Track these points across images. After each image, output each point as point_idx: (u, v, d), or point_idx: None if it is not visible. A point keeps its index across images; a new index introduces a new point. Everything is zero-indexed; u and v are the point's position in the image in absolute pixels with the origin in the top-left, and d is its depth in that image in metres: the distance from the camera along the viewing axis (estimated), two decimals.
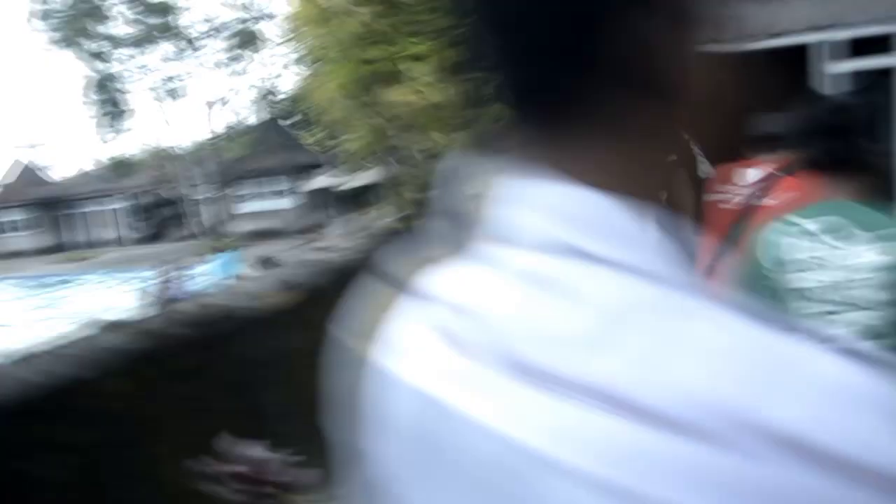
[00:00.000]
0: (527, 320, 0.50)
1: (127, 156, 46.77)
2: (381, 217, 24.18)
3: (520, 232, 0.54)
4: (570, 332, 0.48)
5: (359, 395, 0.64)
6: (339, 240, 3.55)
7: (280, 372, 2.83)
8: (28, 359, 2.04)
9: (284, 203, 33.66)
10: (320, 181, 29.61)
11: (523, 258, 0.53)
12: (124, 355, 2.11)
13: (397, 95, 4.21)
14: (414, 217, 5.24)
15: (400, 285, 0.63)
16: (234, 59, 33.73)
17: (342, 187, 27.49)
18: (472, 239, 0.59)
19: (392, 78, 4.29)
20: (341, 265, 3.41)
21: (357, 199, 29.53)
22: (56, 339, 2.25)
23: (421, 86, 4.14)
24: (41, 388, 1.90)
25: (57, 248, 40.86)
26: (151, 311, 8.56)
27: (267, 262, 8.08)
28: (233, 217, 34.04)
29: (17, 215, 42.05)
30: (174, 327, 2.36)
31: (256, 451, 1.02)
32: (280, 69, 35.70)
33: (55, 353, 2.05)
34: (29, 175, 44.85)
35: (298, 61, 32.63)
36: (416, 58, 4.14)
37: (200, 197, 33.94)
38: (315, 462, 3.08)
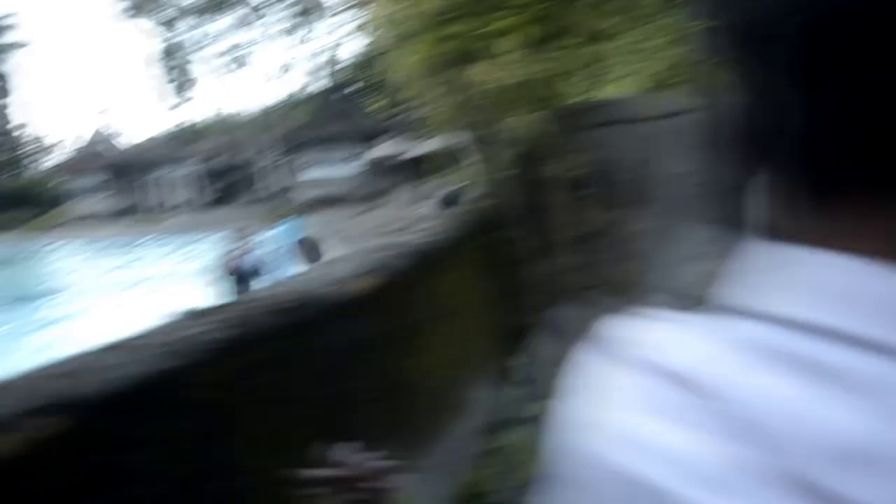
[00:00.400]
0: (807, 422, 0.39)
1: (194, 122, 47.81)
2: (446, 186, 23.96)
3: (787, 310, 0.43)
4: (872, 446, 0.37)
5: (581, 478, 0.53)
6: (418, 220, 3.46)
7: (364, 359, 2.79)
8: (117, 348, 2.02)
9: (347, 170, 33.87)
10: (383, 149, 29.71)
11: (789, 342, 0.42)
12: (211, 345, 2.07)
13: (481, 72, 4.09)
14: (493, 196, 5.11)
15: (624, 356, 0.52)
16: (298, 26, 33.83)
17: (405, 156, 27.54)
18: (713, 310, 0.47)
19: (475, 54, 4.17)
20: (422, 247, 3.33)
21: (419, 167, 29.57)
22: (142, 326, 2.23)
23: (506, 62, 4.02)
24: (130, 380, 1.87)
25: (127, 212, 42.16)
26: (222, 279, 8.46)
27: (308, 247, 7.88)
28: (297, 184, 34.44)
29: (90, 180, 43.46)
30: (258, 314, 2.31)
31: (354, 454, 0.97)
32: (343, 37, 35.76)
33: (143, 342, 2.02)
34: (101, 142, 46.19)
35: (362, 29, 32.68)
36: (501, 33, 4.01)
37: (265, 163, 34.43)
38: (401, 453, 3.06)
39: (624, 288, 4.77)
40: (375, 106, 36.34)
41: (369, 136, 32.06)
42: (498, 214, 4.87)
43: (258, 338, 2.20)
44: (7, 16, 50.18)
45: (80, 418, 1.73)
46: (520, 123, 4.46)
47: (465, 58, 4.21)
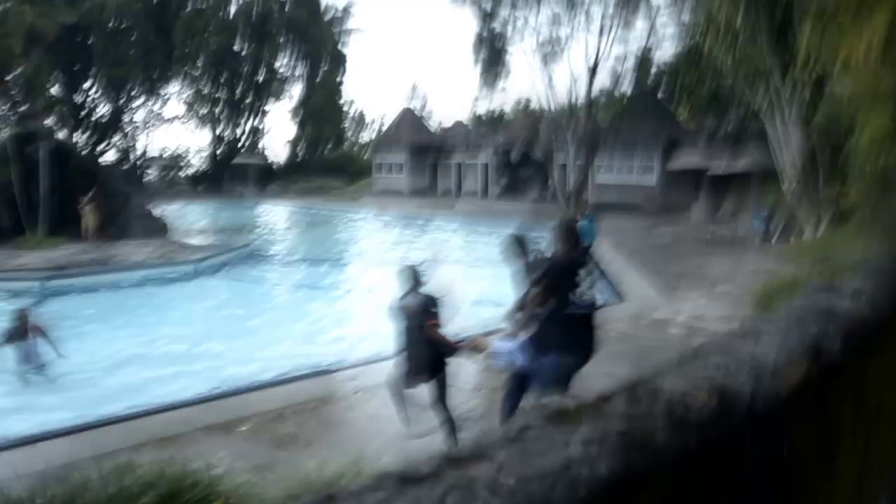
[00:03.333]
0: None
1: (500, 112, 49.01)
2: (760, 209, 21.41)
3: None
4: None
5: None
6: (857, 281, 2.32)
7: (766, 483, 1.74)
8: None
9: (647, 178, 32.20)
10: (689, 160, 27.70)
11: None
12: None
13: None
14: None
15: None
16: (618, 25, 32.77)
17: (716, 171, 25.36)
18: None
19: None
20: (854, 317, 2.17)
21: (729, 185, 27.11)
22: None
23: None
24: None
25: (426, 192, 44.40)
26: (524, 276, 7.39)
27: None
28: (592, 185, 33.54)
29: (396, 158, 46.44)
30: (657, 426, 1.33)
31: None
32: (660, 39, 34.07)
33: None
34: (411, 122, 49.12)
35: (686, 30, 30.81)
36: None
37: (563, 161, 33.93)
38: None
39: None
40: (686, 113, 34.25)
41: (675, 145, 30.16)
42: None
43: (658, 467, 1.26)
44: (348, 4, 55.33)
45: None
46: None
47: None
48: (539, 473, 1.11)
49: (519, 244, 6.84)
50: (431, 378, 6.33)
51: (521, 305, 6.31)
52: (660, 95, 36.47)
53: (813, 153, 17.84)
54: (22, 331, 9.68)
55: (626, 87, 36.69)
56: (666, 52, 34.90)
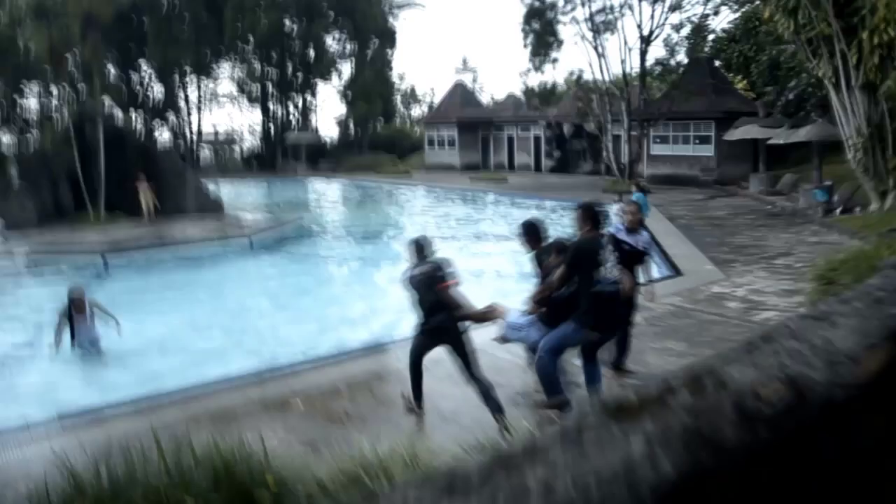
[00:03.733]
0: None
1: (552, 85, 48.27)
2: (818, 183, 20.65)
3: None
4: None
5: None
6: None
7: (853, 482, 1.61)
8: None
9: (704, 150, 31.28)
10: (747, 131, 26.79)
11: None
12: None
13: None
14: None
15: None
16: None
17: (774, 141, 24.49)
18: None
19: None
20: None
21: (790, 156, 26.24)
22: None
23: None
24: None
25: (477, 166, 44.14)
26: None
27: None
28: (647, 157, 32.79)
29: (447, 132, 46.23)
30: (723, 421, 1.22)
31: None
32: (715, 7, 33.03)
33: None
34: (462, 96, 48.75)
35: None
36: None
37: (617, 133, 33.24)
38: None
39: None
40: (744, 82, 33.12)
41: (733, 115, 29.20)
42: None
43: (728, 466, 1.15)
44: None
45: None
46: None
47: None
48: (598, 475, 1.02)
49: (533, 230, 6.83)
50: (449, 344, 6.29)
51: (543, 287, 6.39)
52: (716, 64, 35.34)
53: (881, 121, 17.09)
54: (78, 307, 9.90)
55: (681, 56, 35.74)
56: (723, 18, 33.76)
